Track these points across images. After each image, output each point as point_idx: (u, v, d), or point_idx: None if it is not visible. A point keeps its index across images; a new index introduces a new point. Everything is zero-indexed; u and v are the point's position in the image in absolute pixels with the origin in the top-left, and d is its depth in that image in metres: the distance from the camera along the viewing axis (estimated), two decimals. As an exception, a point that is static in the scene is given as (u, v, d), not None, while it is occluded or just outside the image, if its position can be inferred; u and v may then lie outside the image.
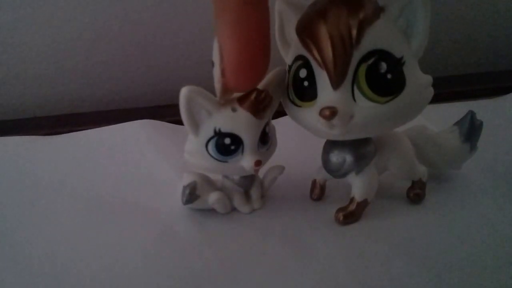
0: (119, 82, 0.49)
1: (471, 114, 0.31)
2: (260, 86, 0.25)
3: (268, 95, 0.25)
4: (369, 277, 0.24)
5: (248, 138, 0.25)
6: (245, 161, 0.26)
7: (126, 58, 0.48)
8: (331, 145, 0.28)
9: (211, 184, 0.29)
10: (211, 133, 0.25)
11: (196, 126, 0.25)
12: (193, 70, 0.48)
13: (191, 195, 0.28)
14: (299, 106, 0.26)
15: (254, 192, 0.30)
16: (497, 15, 0.54)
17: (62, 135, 0.40)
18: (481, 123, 0.31)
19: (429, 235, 0.27)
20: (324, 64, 0.23)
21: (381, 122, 0.25)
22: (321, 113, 0.24)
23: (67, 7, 0.44)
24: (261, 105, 0.25)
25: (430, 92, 0.25)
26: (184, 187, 0.29)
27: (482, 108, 0.35)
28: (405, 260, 0.25)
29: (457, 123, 0.32)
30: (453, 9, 0.52)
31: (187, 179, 0.29)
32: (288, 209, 0.30)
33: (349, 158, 0.28)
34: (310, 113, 0.25)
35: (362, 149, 0.28)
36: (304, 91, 0.25)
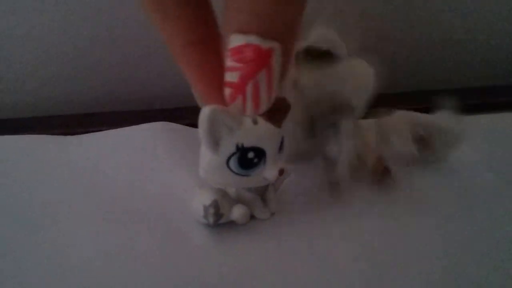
0: (135, 82, 0.49)
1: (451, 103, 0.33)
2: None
3: (286, 103, 0.25)
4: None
5: (271, 149, 0.25)
6: (268, 172, 0.26)
7: (143, 59, 0.47)
8: None
9: (228, 198, 0.28)
10: (233, 150, 0.24)
11: (216, 145, 0.24)
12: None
13: (217, 215, 0.27)
14: None
15: (270, 196, 0.29)
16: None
17: (76, 136, 0.40)
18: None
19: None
20: None
21: None
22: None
23: (84, 7, 0.44)
24: (283, 113, 0.25)
25: None
26: (206, 207, 0.27)
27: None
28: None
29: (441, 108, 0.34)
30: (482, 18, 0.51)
31: (206, 197, 0.28)
32: (301, 211, 0.30)
33: None
34: None
35: None
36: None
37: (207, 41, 0.23)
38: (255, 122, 0.24)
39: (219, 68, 0.22)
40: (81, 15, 0.45)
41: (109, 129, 0.40)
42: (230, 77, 0.22)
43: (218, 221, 0.28)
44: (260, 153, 0.25)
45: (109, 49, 0.47)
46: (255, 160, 0.25)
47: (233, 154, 0.25)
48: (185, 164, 0.35)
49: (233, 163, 0.25)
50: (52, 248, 0.27)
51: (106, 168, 0.35)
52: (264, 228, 0.29)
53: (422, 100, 0.47)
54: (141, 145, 0.38)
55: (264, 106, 0.23)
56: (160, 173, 0.34)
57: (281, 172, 0.26)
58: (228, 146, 0.24)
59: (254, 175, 0.26)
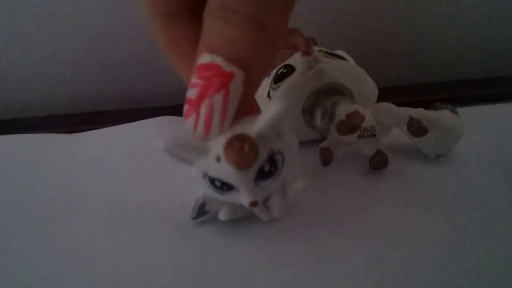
0: (139, 80, 0.49)
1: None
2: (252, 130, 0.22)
3: (253, 147, 0.21)
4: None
5: (239, 185, 0.23)
6: (242, 199, 0.23)
7: (146, 56, 0.48)
8: None
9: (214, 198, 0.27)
10: (202, 173, 0.23)
11: (189, 163, 0.23)
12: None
13: (200, 212, 0.28)
14: None
15: (272, 202, 0.27)
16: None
17: (80, 133, 0.40)
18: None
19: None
20: None
21: None
22: None
23: (87, 6, 0.45)
24: (246, 160, 0.21)
25: None
26: (195, 202, 0.28)
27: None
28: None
29: (440, 107, 0.35)
30: (476, 10, 0.52)
31: (200, 191, 0.27)
32: (308, 219, 0.29)
33: None
34: None
35: None
36: None
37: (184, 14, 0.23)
38: (218, 159, 0.22)
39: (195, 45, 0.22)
40: (85, 16, 0.45)
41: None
42: (190, 93, 0.22)
43: (198, 217, 0.28)
44: (228, 184, 0.23)
45: (113, 48, 0.47)
46: (225, 188, 0.23)
47: (204, 175, 0.23)
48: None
49: (207, 180, 0.23)
50: (57, 244, 0.27)
51: (111, 164, 0.36)
52: (266, 228, 0.28)
53: (417, 94, 0.47)
54: (145, 140, 0.38)
55: (215, 131, 0.22)
56: (164, 168, 0.34)
57: (253, 204, 0.23)
58: (199, 168, 0.23)
59: (230, 196, 0.24)
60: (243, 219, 0.28)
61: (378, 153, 0.33)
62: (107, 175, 0.34)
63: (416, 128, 0.32)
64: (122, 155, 0.37)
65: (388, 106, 0.33)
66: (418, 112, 0.33)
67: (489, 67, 0.56)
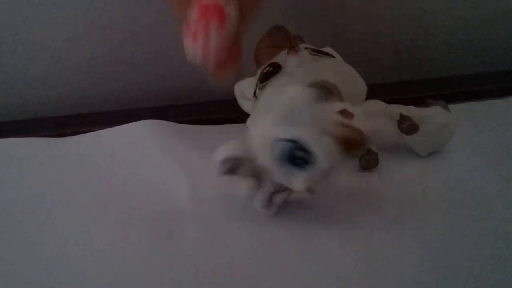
0: (123, 82, 0.48)
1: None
2: None
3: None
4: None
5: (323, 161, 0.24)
6: (297, 182, 0.25)
7: (130, 57, 0.47)
8: None
9: (251, 165, 0.26)
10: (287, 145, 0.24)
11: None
12: (199, 69, 0.47)
13: (231, 172, 0.26)
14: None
15: (278, 198, 0.28)
16: (509, 15, 0.53)
17: (65, 137, 0.39)
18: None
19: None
20: None
21: None
22: None
23: (69, 6, 0.44)
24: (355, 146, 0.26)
25: None
26: (224, 161, 0.26)
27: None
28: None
29: (432, 103, 0.35)
30: (464, 8, 0.52)
31: (233, 148, 0.26)
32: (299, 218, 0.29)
33: None
34: None
35: None
36: None
37: None
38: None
39: None
40: (67, 17, 0.44)
41: (99, 129, 0.40)
42: (190, 16, 0.26)
43: (227, 174, 0.27)
44: (310, 158, 0.24)
45: (97, 48, 0.46)
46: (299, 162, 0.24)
47: (283, 141, 0.24)
48: (177, 160, 0.35)
49: (278, 147, 0.24)
50: (45, 248, 0.27)
51: (97, 168, 0.35)
52: (259, 227, 0.28)
53: (408, 91, 0.47)
54: (130, 144, 0.38)
55: (212, 53, 0.25)
56: (152, 170, 0.34)
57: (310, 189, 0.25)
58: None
59: (288, 173, 0.25)
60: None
61: (368, 151, 0.32)
62: (92, 179, 0.34)
63: (407, 126, 0.32)
64: (108, 159, 0.36)
65: (378, 103, 0.33)
66: (409, 110, 0.33)
67: (479, 63, 0.56)
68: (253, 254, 0.26)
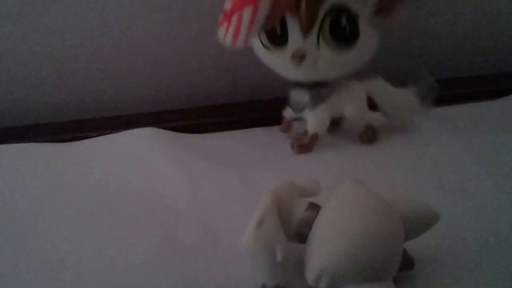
0: (121, 88, 0.48)
1: (427, 77, 0.37)
2: None
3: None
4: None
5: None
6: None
7: (128, 64, 0.47)
8: (293, 86, 0.37)
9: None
10: None
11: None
12: (196, 75, 0.47)
13: None
14: (269, 49, 0.33)
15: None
16: (498, 17, 0.53)
17: (64, 143, 0.40)
18: (434, 85, 0.37)
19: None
20: (298, 15, 0.31)
21: (338, 67, 0.34)
22: (293, 55, 0.32)
23: (69, 14, 0.44)
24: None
25: (376, 43, 0.34)
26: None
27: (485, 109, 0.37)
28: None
29: (416, 85, 0.38)
30: (454, 10, 0.52)
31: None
32: None
33: (306, 96, 0.35)
34: (281, 56, 0.33)
35: (317, 91, 0.36)
36: (277, 38, 0.33)
37: None
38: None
39: None
40: (66, 24, 0.45)
41: (98, 135, 0.40)
42: (226, 5, 0.28)
43: None
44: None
45: (95, 55, 0.47)
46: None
47: None
48: (173, 167, 0.35)
49: None
50: (43, 252, 0.27)
51: (96, 174, 0.35)
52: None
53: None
54: (127, 151, 0.38)
55: (241, 39, 0.29)
56: (150, 176, 0.35)
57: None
58: None
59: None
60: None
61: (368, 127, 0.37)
62: (91, 185, 0.34)
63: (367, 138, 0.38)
64: (106, 165, 0.36)
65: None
66: (381, 88, 0.38)
67: (473, 66, 0.56)
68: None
